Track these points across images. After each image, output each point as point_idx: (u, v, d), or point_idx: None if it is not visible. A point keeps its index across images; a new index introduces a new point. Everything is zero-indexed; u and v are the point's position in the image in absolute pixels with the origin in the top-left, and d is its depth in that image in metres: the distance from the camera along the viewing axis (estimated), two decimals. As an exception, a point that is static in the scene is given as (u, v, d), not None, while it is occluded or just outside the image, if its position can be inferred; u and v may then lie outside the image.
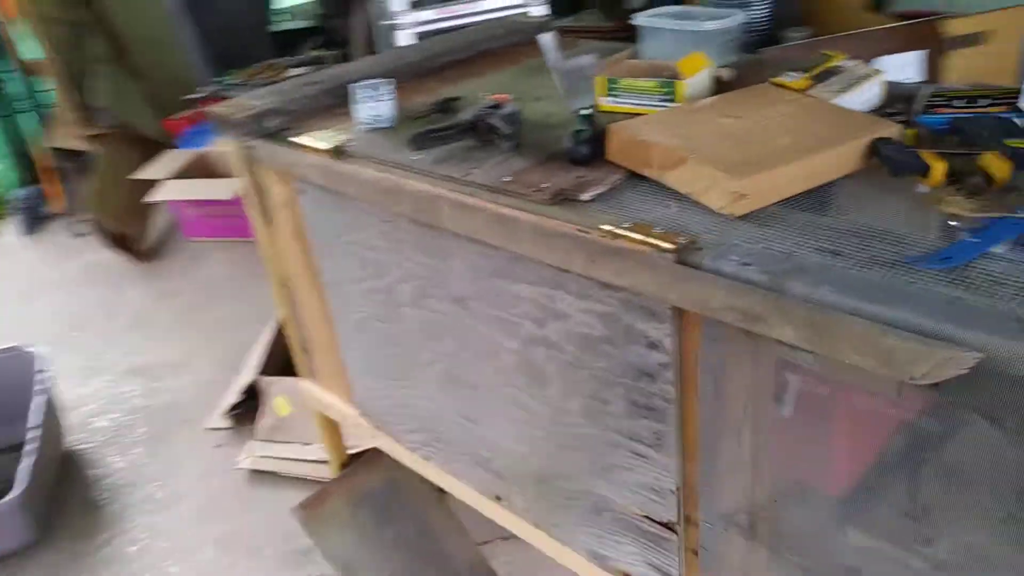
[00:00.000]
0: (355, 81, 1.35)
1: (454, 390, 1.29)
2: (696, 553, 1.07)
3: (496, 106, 1.22)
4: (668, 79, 1.20)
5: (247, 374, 2.35)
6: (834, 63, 1.26)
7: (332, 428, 1.79)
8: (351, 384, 1.54)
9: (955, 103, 1.16)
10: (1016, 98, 1.13)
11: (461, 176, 1.10)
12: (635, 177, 1.04)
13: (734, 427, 0.93)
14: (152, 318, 2.97)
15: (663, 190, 1.00)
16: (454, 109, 1.34)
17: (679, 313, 0.89)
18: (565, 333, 1.04)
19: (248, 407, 2.26)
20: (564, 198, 1.01)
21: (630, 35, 1.51)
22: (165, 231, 3.58)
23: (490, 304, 1.12)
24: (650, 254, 0.87)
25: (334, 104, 1.42)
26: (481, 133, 1.19)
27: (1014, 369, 0.67)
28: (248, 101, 1.39)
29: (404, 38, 2.43)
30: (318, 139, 1.27)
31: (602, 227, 0.92)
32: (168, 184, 3.26)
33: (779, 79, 1.23)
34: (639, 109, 1.23)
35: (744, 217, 0.92)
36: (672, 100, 1.20)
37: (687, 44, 1.41)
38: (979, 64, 2.42)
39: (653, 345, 0.94)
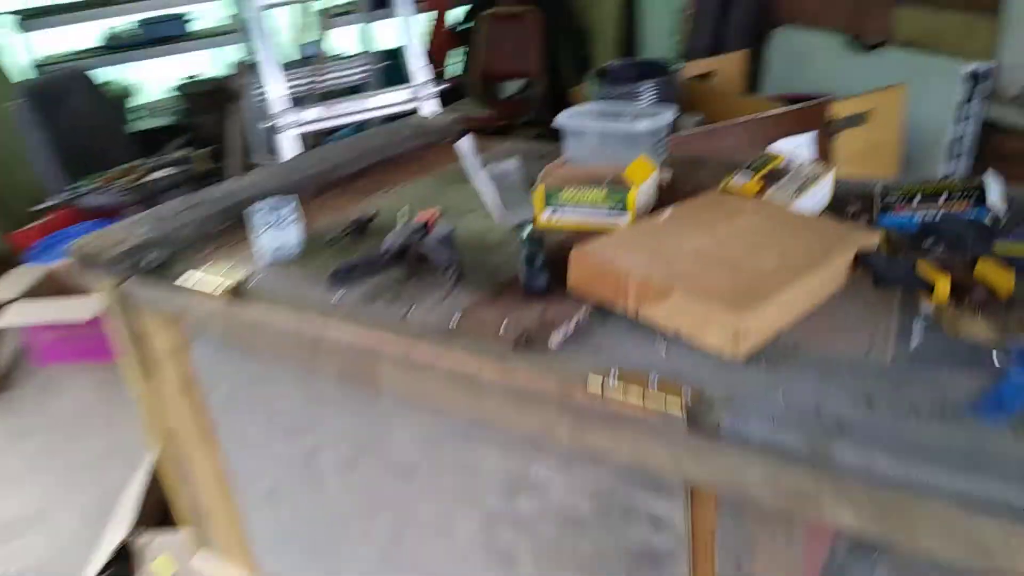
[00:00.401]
0: (247, 200, 1.15)
1: (399, 564, 1.08)
2: None
3: (424, 227, 1.06)
4: (618, 188, 1.07)
5: (117, 529, 2.01)
6: (778, 163, 1.18)
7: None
8: (257, 559, 1.29)
9: (914, 201, 1.09)
10: (975, 192, 1.07)
11: (397, 320, 0.91)
12: (602, 311, 0.89)
13: (764, 616, 0.77)
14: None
15: (639, 327, 0.85)
16: (371, 232, 1.16)
17: (696, 496, 0.74)
18: (542, 510, 0.86)
19: (120, 569, 1.92)
20: (529, 343, 0.84)
21: (509, 124, 1.40)
22: (11, 357, 3.16)
23: (443, 475, 0.93)
24: (654, 420, 0.71)
25: (224, 229, 1.21)
26: (412, 263, 1.02)
27: None
28: (119, 232, 1.16)
29: (286, 141, 2.23)
30: (210, 279, 1.06)
31: (589, 387, 0.76)
32: (16, 305, 2.88)
33: (727, 183, 1.13)
34: (585, 224, 1.09)
35: (748, 358, 0.78)
36: (623, 211, 1.07)
37: (617, 146, 1.30)
38: (862, 143, 2.48)
39: (660, 525, 0.77)
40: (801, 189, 1.11)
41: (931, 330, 0.80)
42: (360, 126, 2.46)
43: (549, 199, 1.11)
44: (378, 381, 0.87)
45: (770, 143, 2.27)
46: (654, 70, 2.76)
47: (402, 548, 1.03)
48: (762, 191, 1.09)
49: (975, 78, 2.46)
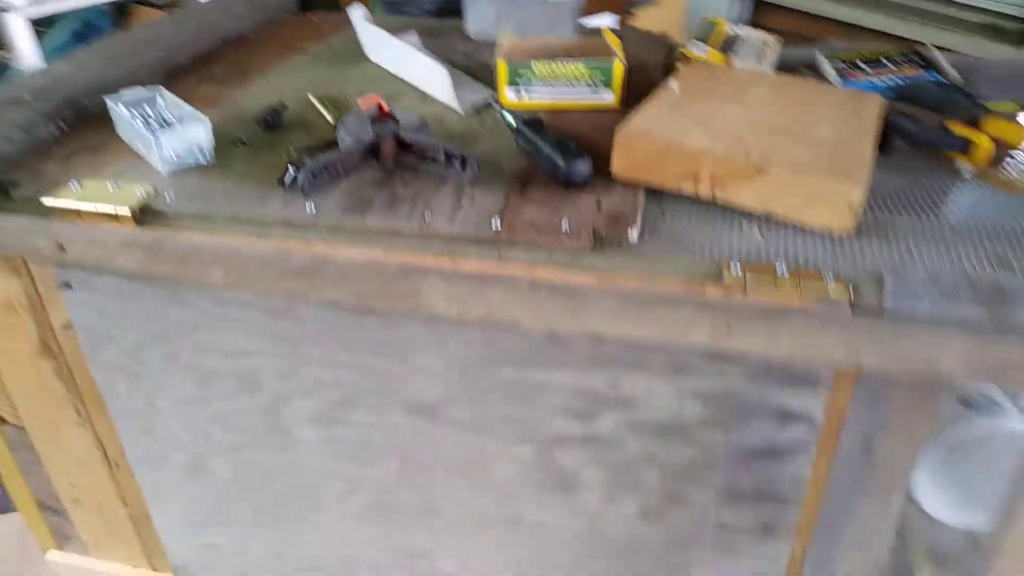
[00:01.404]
0: (84, 94, 0.85)
1: (388, 523, 0.90)
2: (781, 638, 0.88)
3: (382, 116, 0.84)
4: (600, 62, 0.93)
5: None
6: (725, 29, 1.11)
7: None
8: (166, 544, 1.03)
9: (864, 67, 1.08)
10: (916, 58, 1.09)
11: (418, 230, 0.72)
12: (655, 195, 0.77)
13: (883, 490, 0.74)
14: None
15: (710, 212, 0.75)
16: (288, 126, 0.92)
17: (843, 380, 0.67)
18: (630, 425, 0.74)
19: None
20: (603, 242, 0.71)
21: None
22: None
23: (488, 404, 0.77)
24: (821, 310, 0.63)
25: (64, 134, 0.89)
26: (389, 161, 0.81)
27: None
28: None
29: (15, 24, 1.72)
30: (97, 197, 0.76)
31: (725, 281, 0.65)
32: None
33: (688, 52, 1.04)
34: (560, 103, 0.95)
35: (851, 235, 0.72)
36: (607, 87, 0.94)
37: (538, 17, 1.15)
38: (654, 21, 2.52)
39: (790, 419, 0.70)
40: (759, 58, 1.06)
41: (978, 187, 0.80)
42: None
43: (514, 76, 0.94)
44: (421, 304, 0.68)
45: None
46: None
47: (405, 495, 0.87)
48: (728, 61, 1.03)
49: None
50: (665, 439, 0.75)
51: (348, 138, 0.82)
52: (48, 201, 0.77)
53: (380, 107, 0.86)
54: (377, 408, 0.80)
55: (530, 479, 0.81)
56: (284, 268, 0.70)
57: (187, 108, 0.85)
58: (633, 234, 0.71)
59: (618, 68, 0.93)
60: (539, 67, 0.94)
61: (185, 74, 1.08)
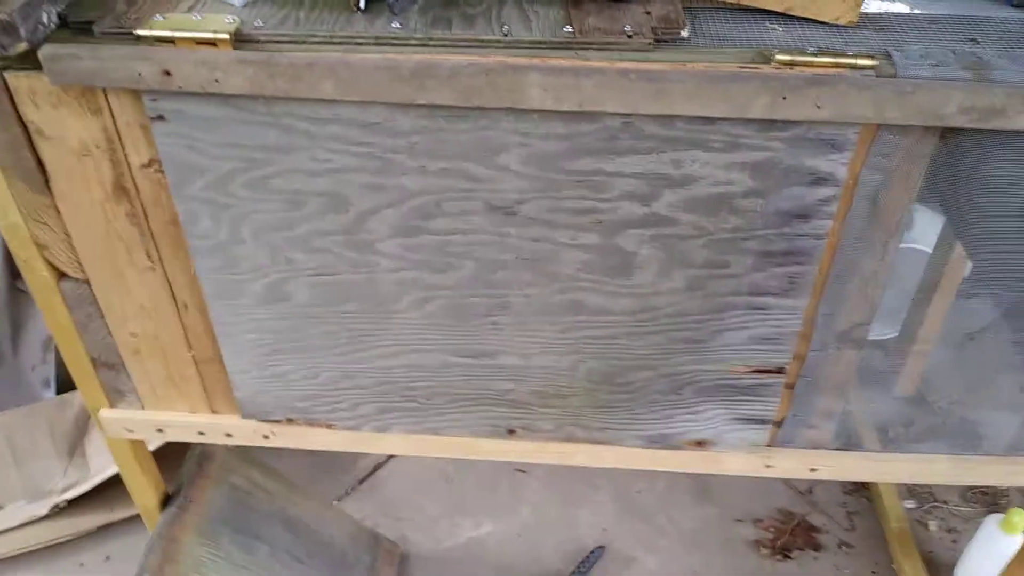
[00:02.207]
0: None
1: (458, 326, 1.02)
2: (791, 386, 1.07)
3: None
4: None
5: None
6: None
7: (145, 462, 1.28)
8: (233, 379, 1.11)
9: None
10: None
11: (504, 39, 0.82)
12: (688, 6, 0.89)
13: (882, 239, 0.91)
14: None
15: (737, 13, 0.88)
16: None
17: (865, 138, 0.83)
18: (685, 202, 0.88)
19: None
20: (660, 40, 0.83)
21: None
22: None
23: (562, 198, 0.89)
24: (852, 75, 0.78)
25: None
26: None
27: None
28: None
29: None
30: (194, 25, 0.81)
31: (777, 58, 0.79)
32: None
33: None
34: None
35: (859, 24, 0.87)
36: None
37: None
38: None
39: (821, 180, 0.86)
40: None
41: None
42: None
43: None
44: (523, 98, 0.79)
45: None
46: None
47: (478, 295, 0.98)
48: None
49: None
50: (714, 212, 0.89)
51: (409, -33, 0.88)
52: (142, 31, 0.81)
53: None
54: (460, 213, 0.91)
55: (593, 265, 0.95)
56: (394, 74, 0.79)
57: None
58: (685, 33, 0.83)
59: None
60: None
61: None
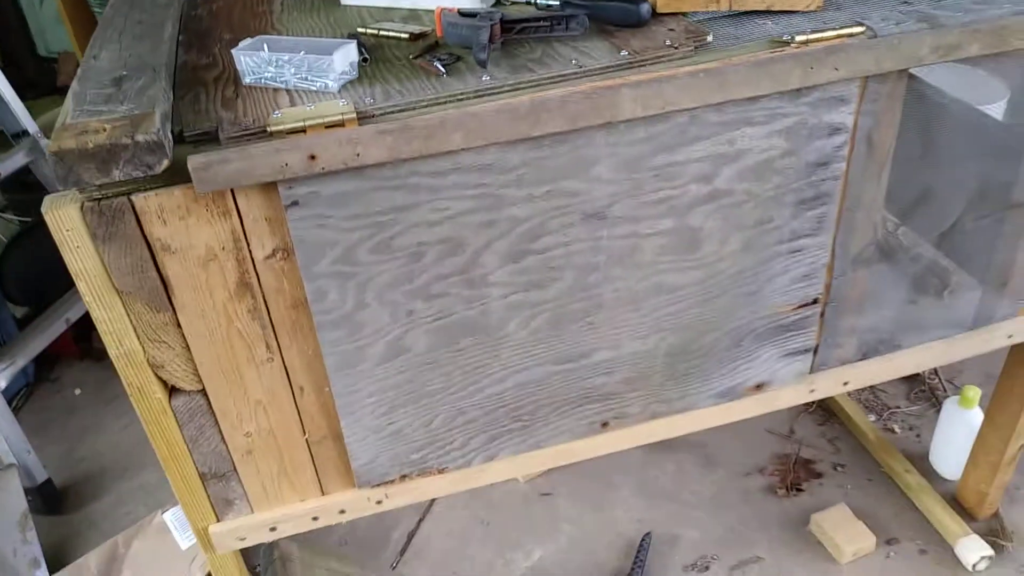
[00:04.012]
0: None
1: (558, 335, 1.13)
2: (824, 314, 1.27)
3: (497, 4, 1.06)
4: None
5: None
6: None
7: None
8: (351, 448, 1.14)
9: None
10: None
11: (579, 70, 0.96)
12: (691, 17, 1.09)
13: (876, 168, 1.14)
14: None
15: (736, 16, 1.09)
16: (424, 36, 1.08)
17: (862, 90, 1.05)
18: (738, 173, 1.06)
19: None
20: (698, 47, 1.01)
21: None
22: None
23: (643, 193, 1.04)
24: (853, 42, 1.00)
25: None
26: (497, 36, 1.03)
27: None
28: (104, 111, 0.83)
29: None
30: (313, 113, 0.89)
31: (796, 40, 0.99)
32: None
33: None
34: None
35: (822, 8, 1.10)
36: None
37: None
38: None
39: (836, 130, 1.07)
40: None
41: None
42: None
43: (518, -26, 1.19)
44: (618, 112, 0.94)
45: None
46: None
47: (576, 302, 1.10)
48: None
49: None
50: (761, 176, 1.08)
51: (465, 30, 1.01)
52: (272, 128, 0.88)
53: (457, 11, 1.06)
54: (560, 228, 1.03)
55: (668, 247, 1.10)
56: (513, 115, 0.91)
57: (317, 40, 0.98)
58: (710, 38, 1.02)
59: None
60: (535, -35, 1.19)
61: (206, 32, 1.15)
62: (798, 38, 0.99)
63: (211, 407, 1.06)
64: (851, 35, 1.01)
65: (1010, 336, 1.44)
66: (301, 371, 1.07)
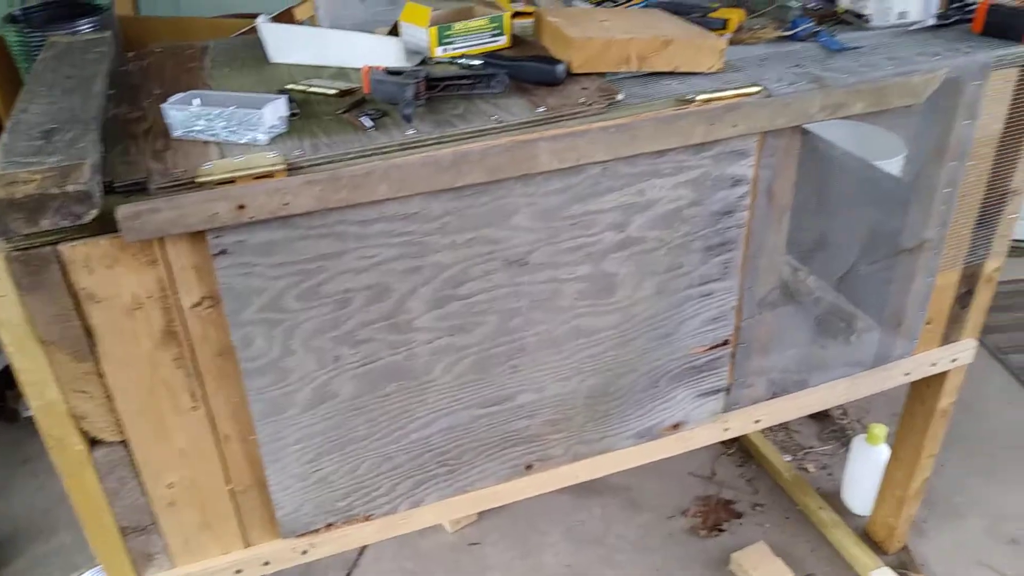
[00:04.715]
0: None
1: (483, 379, 1.16)
2: (734, 355, 1.34)
3: (393, 72, 1.11)
4: (498, 14, 1.28)
5: None
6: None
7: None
8: (275, 498, 1.14)
9: None
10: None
11: (499, 125, 1.02)
12: (603, 77, 1.16)
13: (777, 217, 1.23)
14: None
15: (644, 76, 1.17)
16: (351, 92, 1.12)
17: (760, 144, 1.13)
18: (649, 221, 1.13)
19: None
20: (610, 104, 1.08)
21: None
22: None
23: (560, 241, 1.09)
24: (750, 100, 1.09)
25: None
26: (420, 94, 1.08)
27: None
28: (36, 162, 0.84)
29: None
30: (243, 164, 0.92)
31: (698, 98, 1.07)
32: None
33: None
34: (473, 50, 1.28)
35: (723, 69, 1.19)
36: (501, 34, 1.29)
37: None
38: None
39: (737, 182, 1.15)
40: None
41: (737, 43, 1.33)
42: None
43: (443, 37, 1.25)
44: (535, 165, 1.00)
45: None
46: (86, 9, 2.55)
47: (499, 346, 1.14)
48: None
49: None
50: (669, 224, 1.15)
51: (391, 87, 1.06)
52: (202, 179, 0.90)
53: (395, 69, 1.11)
54: (483, 274, 1.08)
55: (587, 292, 1.16)
56: (437, 167, 0.96)
57: (247, 95, 1.01)
58: (621, 96, 1.09)
59: (507, 18, 1.29)
60: (458, 27, 1.25)
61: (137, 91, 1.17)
62: (700, 97, 1.08)
63: (133, 458, 1.06)
64: (748, 94, 1.09)
65: (907, 374, 1.54)
66: (226, 419, 1.07)
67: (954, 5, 1.35)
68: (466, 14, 1.31)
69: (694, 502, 2.02)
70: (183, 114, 0.99)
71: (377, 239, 1.00)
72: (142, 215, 0.87)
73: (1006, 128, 1.29)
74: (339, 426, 1.12)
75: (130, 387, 1.00)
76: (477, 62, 1.18)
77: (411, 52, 1.24)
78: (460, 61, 1.20)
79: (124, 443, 1.04)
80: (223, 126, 0.98)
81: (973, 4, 1.32)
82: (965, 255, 1.41)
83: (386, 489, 1.21)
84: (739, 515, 1.98)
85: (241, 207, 0.90)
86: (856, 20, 1.36)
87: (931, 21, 1.34)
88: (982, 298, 1.49)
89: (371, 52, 1.24)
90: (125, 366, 0.99)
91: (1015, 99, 1.27)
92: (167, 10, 3.28)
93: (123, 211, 0.86)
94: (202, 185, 0.91)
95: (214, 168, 0.92)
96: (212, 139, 1.00)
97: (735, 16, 1.34)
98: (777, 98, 1.10)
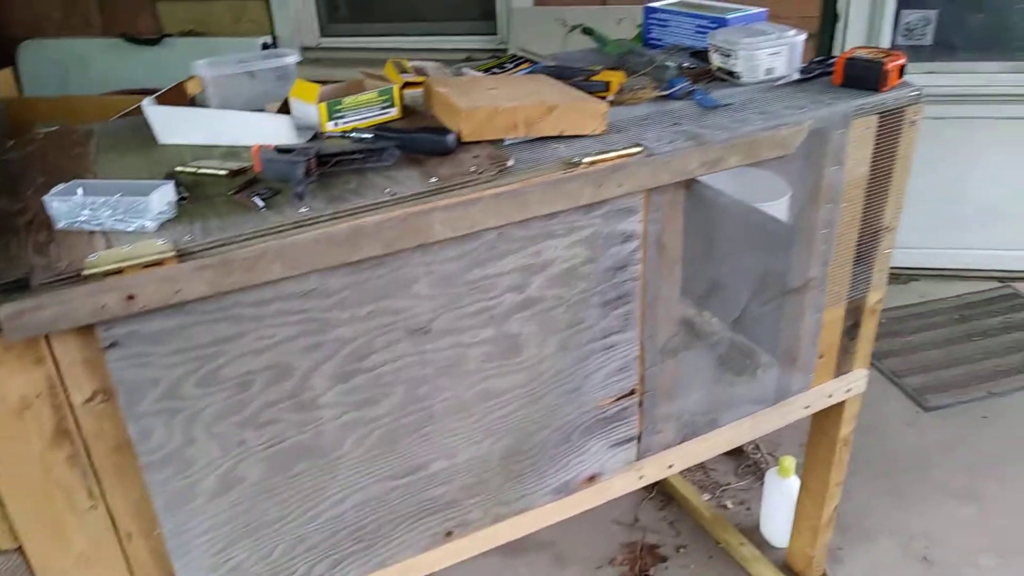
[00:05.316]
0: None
1: (394, 450, 1.16)
2: (642, 403, 1.37)
3: (285, 149, 1.12)
4: (388, 87, 1.31)
5: None
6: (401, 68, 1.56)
7: None
8: (187, 593, 1.10)
9: (506, 67, 1.63)
10: (523, 60, 1.67)
11: (392, 198, 1.04)
12: (493, 144, 1.20)
13: (669, 267, 1.28)
14: None
15: (532, 142, 1.21)
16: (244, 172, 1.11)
17: (646, 200, 1.18)
18: (547, 281, 1.16)
19: None
20: (500, 171, 1.11)
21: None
22: None
23: (462, 306, 1.11)
24: (632, 160, 1.14)
25: None
26: (312, 170, 1.09)
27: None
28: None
29: None
30: (130, 254, 0.91)
31: (584, 162, 1.12)
32: None
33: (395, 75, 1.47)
34: (364, 123, 1.30)
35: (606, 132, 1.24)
36: (391, 106, 1.32)
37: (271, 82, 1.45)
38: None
39: (628, 237, 1.20)
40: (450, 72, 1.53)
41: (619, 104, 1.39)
42: None
43: (333, 112, 1.26)
44: (431, 234, 1.02)
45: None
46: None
47: (407, 416, 1.14)
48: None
49: (265, 47, 3.02)
50: (567, 282, 1.18)
51: (282, 165, 1.07)
52: (87, 272, 0.88)
53: (288, 147, 1.12)
54: (386, 345, 1.08)
55: (492, 354, 1.17)
56: (332, 243, 0.96)
57: (134, 181, 1.00)
58: (511, 163, 1.13)
59: (396, 90, 1.32)
60: (347, 101, 1.27)
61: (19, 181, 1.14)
62: (586, 159, 1.12)
63: (29, 565, 1.00)
64: (631, 154, 1.14)
65: (807, 407, 1.60)
66: (128, 516, 1.03)
67: (816, 60, 1.45)
68: (356, 88, 1.33)
69: (620, 550, 2.03)
70: (66, 205, 0.98)
71: (275, 319, 0.99)
72: (25, 313, 0.84)
73: (872, 171, 1.38)
74: (249, 511, 1.09)
75: (22, 491, 0.96)
76: (368, 135, 1.20)
77: (302, 128, 1.25)
78: (352, 135, 1.22)
79: (20, 550, 0.99)
80: (109, 215, 0.97)
81: (833, 59, 1.43)
82: (848, 290, 1.49)
83: (303, 572, 1.18)
84: (664, 559, 2.00)
85: (131, 297, 0.89)
86: (728, 77, 1.45)
87: (796, 76, 1.43)
88: (868, 329, 1.57)
89: (261, 130, 1.25)
90: (16, 469, 0.94)
91: (877, 144, 1.37)
92: (55, 87, 3.21)
93: (4, 311, 0.83)
94: (88, 278, 0.89)
95: (100, 259, 0.90)
96: (98, 229, 0.98)
97: (616, 78, 1.40)
98: (658, 156, 1.15)
